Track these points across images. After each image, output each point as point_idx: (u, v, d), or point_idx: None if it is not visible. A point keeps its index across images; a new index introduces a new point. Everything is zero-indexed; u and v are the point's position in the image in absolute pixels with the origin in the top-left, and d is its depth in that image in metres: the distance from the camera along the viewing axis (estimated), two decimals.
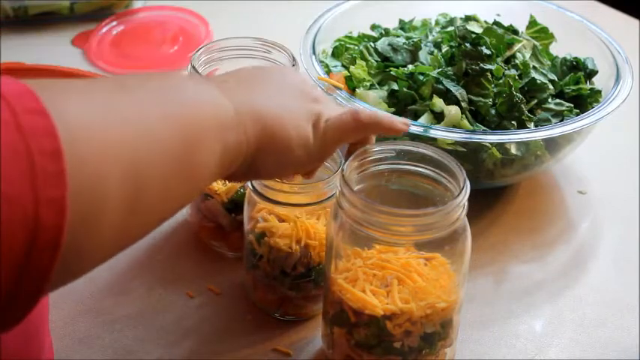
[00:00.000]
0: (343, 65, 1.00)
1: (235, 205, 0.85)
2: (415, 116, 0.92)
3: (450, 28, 1.03)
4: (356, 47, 1.02)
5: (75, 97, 0.48)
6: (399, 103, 0.94)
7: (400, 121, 0.71)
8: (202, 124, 0.56)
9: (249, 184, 0.78)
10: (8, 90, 0.44)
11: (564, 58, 1.01)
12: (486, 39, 0.96)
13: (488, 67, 0.94)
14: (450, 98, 0.93)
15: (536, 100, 0.95)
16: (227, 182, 0.84)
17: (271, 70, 0.73)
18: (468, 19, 1.05)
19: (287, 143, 0.63)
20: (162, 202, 0.53)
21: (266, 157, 0.62)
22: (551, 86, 0.96)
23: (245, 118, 0.59)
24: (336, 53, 1.02)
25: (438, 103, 0.92)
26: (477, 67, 0.94)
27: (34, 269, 0.44)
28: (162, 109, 0.53)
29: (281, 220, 0.78)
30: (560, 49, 1.04)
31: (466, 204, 0.69)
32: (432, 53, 0.99)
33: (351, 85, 0.95)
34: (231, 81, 0.63)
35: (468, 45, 0.95)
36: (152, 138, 0.51)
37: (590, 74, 1.01)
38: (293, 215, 0.78)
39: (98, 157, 0.47)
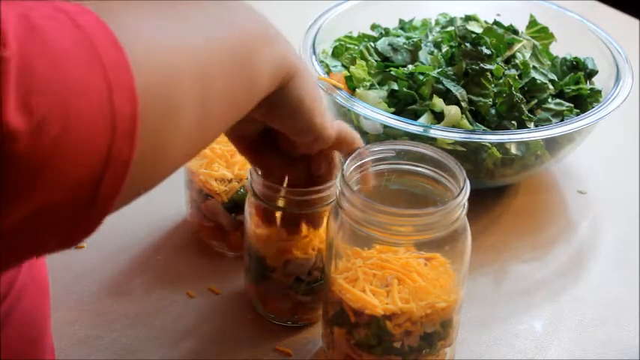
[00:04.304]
0: (343, 65, 1.00)
1: (235, 205, 0.85)
2: (415, 116, 0.92)
3: (450, 28, 1.03)
4: (356, 47, 1.02)
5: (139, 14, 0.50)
6: (399, 103, 0.94)
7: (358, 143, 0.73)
8: (256, 34, 0.59)
9: (249, 186, 0.78)
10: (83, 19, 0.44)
11: (564, 58, 1.01)
12: (486, 39, 0.96)
13: (488, 67, 0.94)
14: (450, 98, 0.93)
15: (536, 100, 0.95)
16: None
17: None
18: (468, 19, 1.05)
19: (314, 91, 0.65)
20: (225, 107, 0.55)
21: (297, 88, 0.62)
22: (551, 86, 0.96)
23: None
24: (336, 53, 1.02)
25: (438, 103, 0.92)
26: (477, 67, 0.94)
27: (115, 164, 0.44)
28: (219, 20, 0.55)
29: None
30: (560, 49, 1.04)
31: (466, 204, 0.69)
32: (432, 53, 0.99)
33: (351, 85, 0.95)
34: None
35: (468, 45, 0.95)
36: (214, 43, 0.53)
37: (590, 74, 1.01)
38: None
39: (167, 65, 0.48)
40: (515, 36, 1.01)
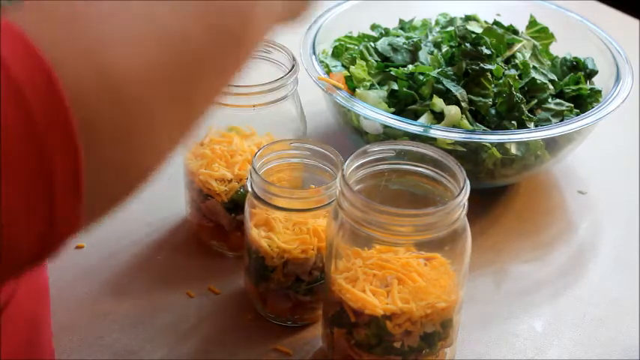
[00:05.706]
0: (343, 65, 1.00)
1: (235, 205, 0.85)
2: (415, 116, 0.92)
3: (450, 28, 1.03)
4: (356, 47, 1.02)
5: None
6: (399, 103, 0.94)
7: None
8: None
9: (249, 187, 0.78)
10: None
11: (564, 58, 1.01)
12: (486, 39, 0.96)
13: (488, 67, 0.94)
14: (450, 98, 0.93)
15: (536, 100, 0.95)
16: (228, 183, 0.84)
17: None
18: (468, 19, 1.05)
19: None
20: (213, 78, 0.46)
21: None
22: (551, 86, 0.96)
23: None
24: (336, 53, 1.02)
25: (438, 103, 0.92)
26: (477, 67, 0.94)
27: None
28: None
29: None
30: (560, 49, 1.04)
31: (466, 204, 0.69)
32: (432, 53, 0.99)
33: (351, 85, 0.95)
34: None
35: (468, 45, 0.95)
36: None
37: (590, 74, 1.01)
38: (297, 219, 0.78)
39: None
40: (515, 36, 1.01)
